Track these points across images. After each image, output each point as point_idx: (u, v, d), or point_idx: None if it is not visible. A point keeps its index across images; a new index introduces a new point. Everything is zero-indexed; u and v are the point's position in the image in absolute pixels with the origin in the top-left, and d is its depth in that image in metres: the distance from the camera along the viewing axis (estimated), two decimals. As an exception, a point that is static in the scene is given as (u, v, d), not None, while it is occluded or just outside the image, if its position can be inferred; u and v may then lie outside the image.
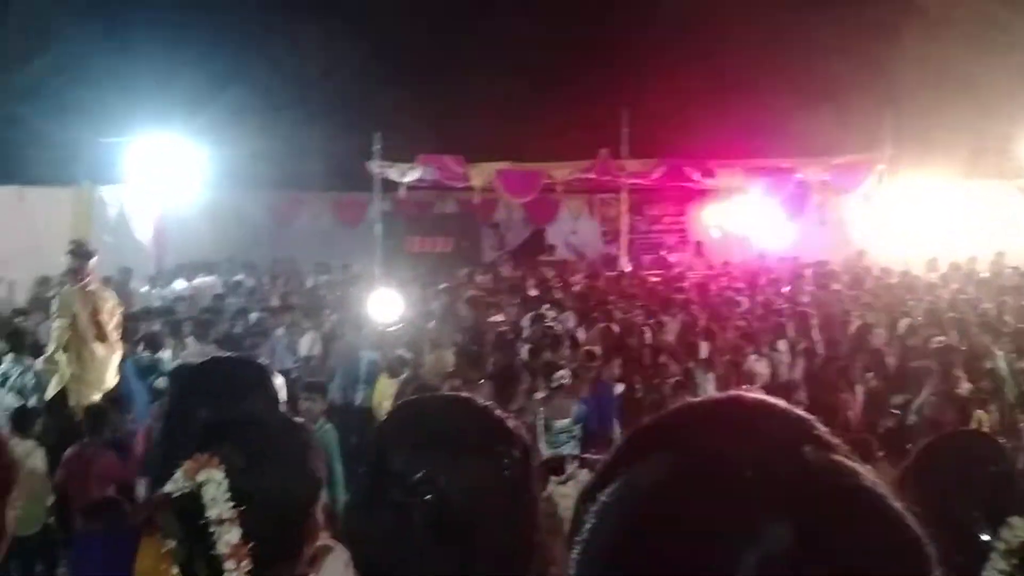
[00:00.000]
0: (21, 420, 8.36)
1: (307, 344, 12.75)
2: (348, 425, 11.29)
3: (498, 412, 1.86)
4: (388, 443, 1.79)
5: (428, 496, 1.69)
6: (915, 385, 10.42)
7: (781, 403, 1.21)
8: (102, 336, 10.14)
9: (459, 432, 1.78)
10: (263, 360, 11.07)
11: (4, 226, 17.10)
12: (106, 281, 18.13)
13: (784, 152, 22.45)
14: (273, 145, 27.70)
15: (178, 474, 2.06)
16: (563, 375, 9.70)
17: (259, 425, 2.27)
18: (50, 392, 9.62)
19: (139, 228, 21.07)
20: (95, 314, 10.17)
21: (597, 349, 11.45)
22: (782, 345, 12.73)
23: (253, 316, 14.07)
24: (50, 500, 8.15)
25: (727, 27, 28.79)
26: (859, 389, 10.86)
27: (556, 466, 2.22)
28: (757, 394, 1.24)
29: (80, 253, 10.74)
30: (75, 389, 9.79)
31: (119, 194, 20.36)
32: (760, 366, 11.66)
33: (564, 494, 2.12)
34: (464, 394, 1.95)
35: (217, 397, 2.61)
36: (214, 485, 2.03)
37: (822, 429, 1.15)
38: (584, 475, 2.22)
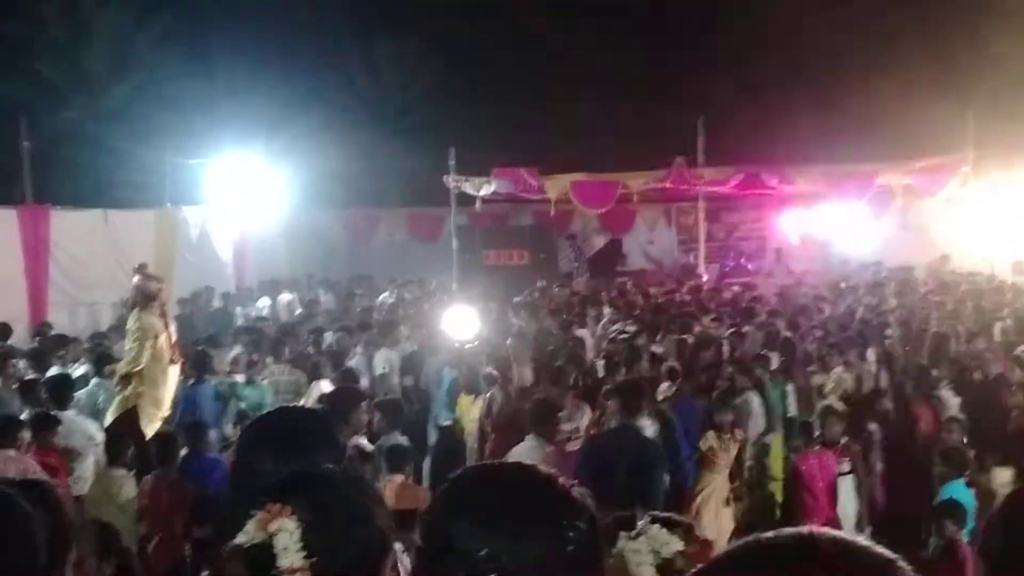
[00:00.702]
0: (114, 448, 8.41)
1: (381, 361, 12.69)
2: (426, 445, 11.33)
3: (562, 481, 1.79)
4: (448, 515, 1.73)
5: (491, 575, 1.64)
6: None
7: (861, 543, 1.16)
8: (175, 359, 10.27)
9: (522, 505, 1.72)
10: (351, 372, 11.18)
11: (90, 249, 17.41)
12: (194, 299, 18.59)
13: (865, 156, 22.06)
14: (349, 163, 28.02)
15: (250, 525, 2.05)
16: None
17: (326, 481, 2.25)
18: (112, 415, 9.61)
19: (220, 247, 21.37)
20: (169, 336, 10.32)
21: (675, 364, 11.32)
22: (870, 355, 12.48)
23: (329, 335, 14.09)
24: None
25: (803, 31, 28.47)
26: (945, 396, 10.59)
27: (627, 521, 2.18)
28: (832, 532, 1.19)
29: (154, 276, 10.88)
30: (149, 413, 9.90)
31: (201, 214, 20.66)
32: (843, 376, 11.44)
33: (635, 549, 2.08)
34: (528, 463, 1.86)
35: (283, 450, 2.60)
36: (286, 535, 2.02)
37: (907, 571, 1.09)
38: (655, 530, 2.17)
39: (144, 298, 10.66)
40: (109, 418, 9.64)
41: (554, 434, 8.00)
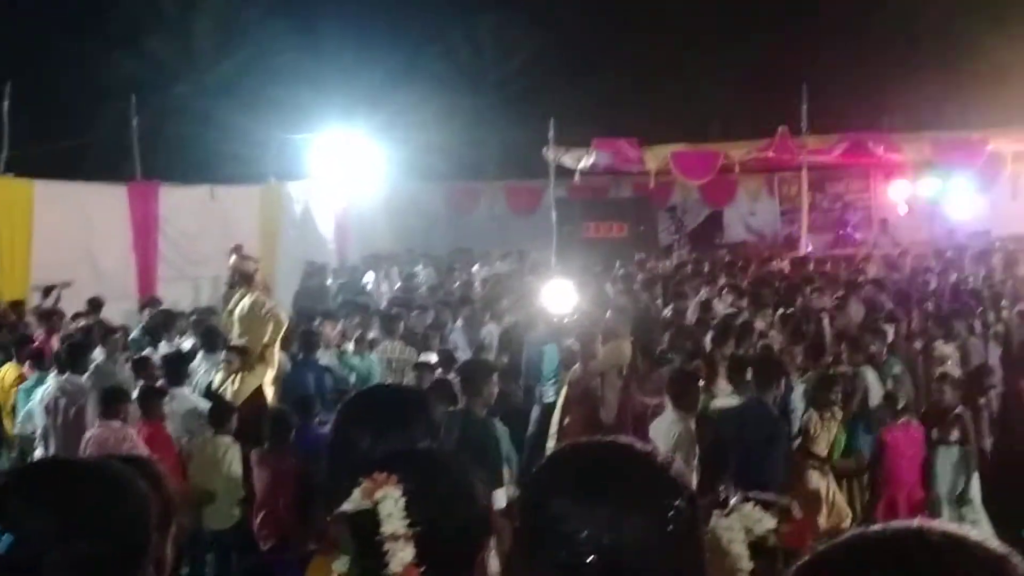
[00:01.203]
0: (219, 416, 8.65)
1: (486, 336, 12.66)
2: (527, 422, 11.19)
3: (661, 459, 1.77)
4: (546, 495, 1.72)
5: (592, 557, 1.63)
6: None
7: (973, 536, 1.14)
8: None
9: (622, 485, 1.70)
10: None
11: (197, 224, 17.78)
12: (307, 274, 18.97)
13: (973, 123, 21.44)
14: (449, 136, 28.16)
15: (356, 493, 2.09)
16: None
17: (431, 457, 2.30)
18: (239, 393, 9.79)
19: (322, 222, 21.67)
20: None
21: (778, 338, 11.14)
22: (977, 327, 12.15)
23: (431, 311, 14.11)
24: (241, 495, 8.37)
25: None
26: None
27: (722, 500, 2.17)
28: (943, 525, 1.17)
29: (250, 256, 11.14)
30: (269, 389, 10.20)
31: (304, 189, 20.96)
32: (948, 350, 11.13)
33: (727, 527, 2.06)
34: (626, 440, 1.84)
35: (379, 427, 2.65)
36: (391, 502, 2.06)
37: (1021, 567, 1.07)
38: (748, 508, 2.15)
39: (243, 278, 10.92)
40: (231, 394, 9.81)
41: (694, 405, 7.89)
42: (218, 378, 10.06)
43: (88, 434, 8.02)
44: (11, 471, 2.17)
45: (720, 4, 31.11)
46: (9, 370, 10.32)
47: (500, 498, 6.16)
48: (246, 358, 10.09)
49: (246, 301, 10.63)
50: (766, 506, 2.53)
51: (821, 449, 8.35)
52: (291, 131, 21.44)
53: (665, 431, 7.57)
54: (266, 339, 10.34)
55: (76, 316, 12.80)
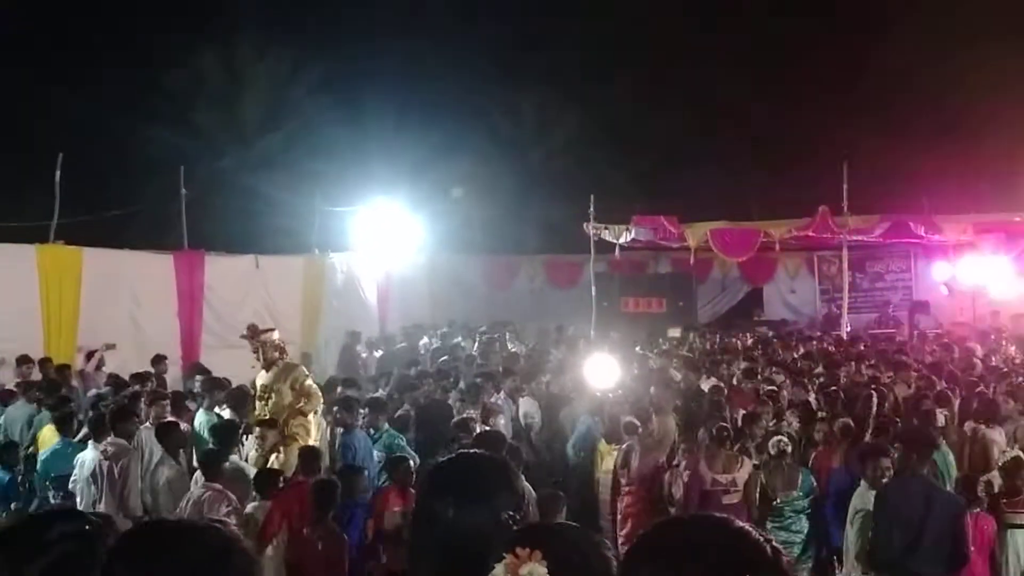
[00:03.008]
0: (264, 484, 8.54)
1: (524, 408, 12.64)
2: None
3: (756, 535, 1.78)
4: (643, 569, 1.75)
5: None
6: None
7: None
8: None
9: (720, 561, 1.72)
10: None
11: (241, 293, 17.94)
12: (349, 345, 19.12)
13: (1014, 206, 21.37)
14: (490, 210, 28.38)
15: (499, 568, 2.07)
16: (782, 440, 9.29)
17: (561, 533, 2.28)
18: (293, 461, 9.78)
19: (365, 292, 21.80)
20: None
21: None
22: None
23: (464, 382, 14.05)
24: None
25: (949, 77, 27.81)
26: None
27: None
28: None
29: (266, 327, 11.25)
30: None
31: (347, 260, 21.13)
32: (996, 435, 10.92)
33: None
34: (722, 515, 1.86)
35: (464, 496, 2.63)
36: None
37: None
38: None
39: (280, 351, 10.99)
40: (280, 467, 9.83)
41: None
42: (252, 455, 10.06)
43: (189, 495, 8.02)
44: (122, 535, 2.14)
45: (761, 84, 31.32)
46: (47, 431, 10.42)
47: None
48: (278, 431, 10.13)
49: (292, 374, 10.70)
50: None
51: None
52: (334, 203, 21.67)
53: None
54: (303, 406, 10.42)
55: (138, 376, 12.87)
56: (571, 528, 2.34)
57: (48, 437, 10.31)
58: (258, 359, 10.98)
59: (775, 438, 9.34)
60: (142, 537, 2.10)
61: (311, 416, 10.63)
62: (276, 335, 11.16)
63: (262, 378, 10.88)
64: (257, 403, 10.82)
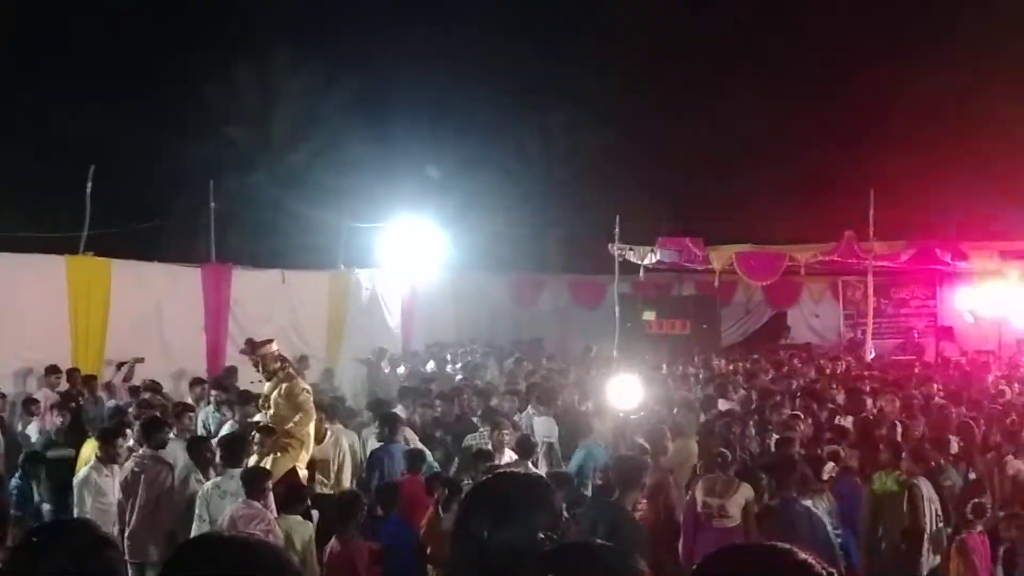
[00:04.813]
0: (287, 499, 8.62)
1: (541, 428, 12.58)
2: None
3: (819, 568, 1.81)
4: None
5: None
6: None
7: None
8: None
9: None
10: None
11: (267, 307, 18.02)
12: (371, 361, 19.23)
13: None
14: (516, 229, 28.43)
15: None
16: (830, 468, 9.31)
17: (593, 553, 2.31)
18: (279, 472, 9.84)
19: (389, 310, 21.84)
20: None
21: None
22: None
23: (493, 400, 14.08)
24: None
25: (976, 104, 27.72)
26: None
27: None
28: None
29: (264, 339, 11.36)
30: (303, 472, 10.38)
31: (372, 277, 21.19)
32: (1020, 465, 10.84)
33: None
34: (785, 545, 1.89)
35: (502, 515, 2.65)
36: None
37: None
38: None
39: (280, 362, 11.07)
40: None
41: None
42: (252, 460, 10.12)
43: (229, 511, 8.02)
44: (177, 548, 2.19)
45: (789, 108, 31.30)
46: (88, 447, 10.43)
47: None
48: (275, 438, 10.20)
49: (285, 385, 10.79)
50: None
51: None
52: (361, 220, 21.76)
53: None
54: (293, 423, 10.47)
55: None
56: (605, 548, 2.36)
57: (87, 454, 10.33)
58: (259, 371, 11.10)
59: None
60: (197, 550, 2.15)
61: (305, 430, 10.67)
62: (274, 346, 11.22)
63: (266, 388, 11.02)
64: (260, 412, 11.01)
